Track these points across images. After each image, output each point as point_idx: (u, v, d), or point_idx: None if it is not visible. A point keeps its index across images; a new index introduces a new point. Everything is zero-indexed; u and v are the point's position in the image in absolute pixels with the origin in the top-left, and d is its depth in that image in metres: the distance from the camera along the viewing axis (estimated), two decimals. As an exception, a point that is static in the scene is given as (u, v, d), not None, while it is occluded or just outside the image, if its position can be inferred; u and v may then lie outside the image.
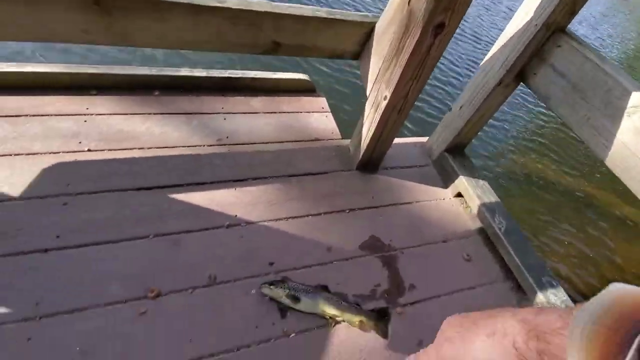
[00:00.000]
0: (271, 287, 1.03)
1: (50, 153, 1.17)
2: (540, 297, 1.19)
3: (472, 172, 1.51)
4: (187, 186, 1.22)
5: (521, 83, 1.31)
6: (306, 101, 1.66)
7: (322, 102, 1.69)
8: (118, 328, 0.91)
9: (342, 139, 1.58)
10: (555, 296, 1.20)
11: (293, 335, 1.01)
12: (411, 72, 1.10)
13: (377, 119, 1.24)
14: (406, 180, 1.51)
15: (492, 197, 1.45)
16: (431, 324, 1.18)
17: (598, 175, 3.53)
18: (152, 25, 0.98)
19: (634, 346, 0.20)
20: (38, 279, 0.93)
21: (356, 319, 1.06)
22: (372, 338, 1.05)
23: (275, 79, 1.60)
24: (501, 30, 1.39)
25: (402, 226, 1.35)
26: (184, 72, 1.46)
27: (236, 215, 1.20)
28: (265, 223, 1.21)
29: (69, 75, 1.31)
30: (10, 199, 1.05)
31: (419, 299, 1.18)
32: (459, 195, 1.52)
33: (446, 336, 0.40)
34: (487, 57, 1.34)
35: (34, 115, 1.24)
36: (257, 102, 1.57)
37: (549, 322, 0.28)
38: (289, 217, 1.25)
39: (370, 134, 1.30)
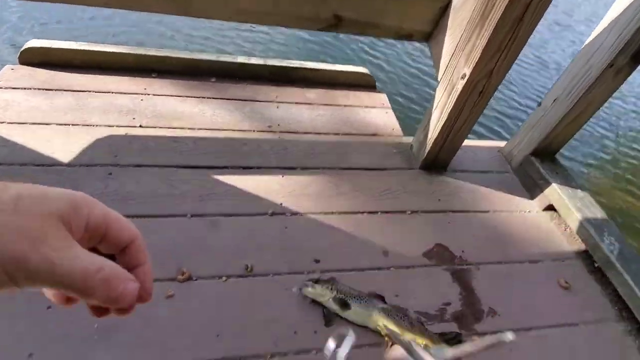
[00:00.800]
0: (315, 285, 0.86)
1: (105, 126, 1.15)
2: (682, 347, 0.86)
3: (568, 180, 1.23)
4: (232, 169, 1.12)
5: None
6: (365, 96, 1.53)
7: (382, 97, 1.54)
8: (141, 308, 0.78)
9: (403, 136, 1.41)
10: None
11: (338, 350, 0.80)
12: (499, 41, 0.92)
13: (452, 103, 1.06)
14: (480, 186, 1.27)
15: (597, 212, 1.15)
16: None
17: None
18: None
19: None
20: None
21: (420, 341, 0.83)
22: (440, 369, 0.81)
23: (333, 70, 1.50)
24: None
25: (477, 237, 1.11)
26: (241, 59, 1.42)
27: (281, 204, 1.06)
28: (313, 216, 1.05)
29: (134, 56, 1.33)
30: (60, 164, 1.02)
31: (502, 328, 0.91)
32: (550, 208, 1.23)
33: None
34: (589, 40, 1.10)
35: (96, 92, 1.25)
36: (313, 94, 1.47)
37: None
38: (340, 212, 1.08)
39: (442, 122, 1.11)
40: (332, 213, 1.07)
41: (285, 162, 1.18)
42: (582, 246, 1.13)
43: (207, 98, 1.33)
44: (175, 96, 1.31)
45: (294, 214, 1.04)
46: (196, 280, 0.86)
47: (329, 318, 0.85)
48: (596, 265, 1.09)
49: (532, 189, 1.28)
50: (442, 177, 1.27)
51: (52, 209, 0.21)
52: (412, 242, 1.05)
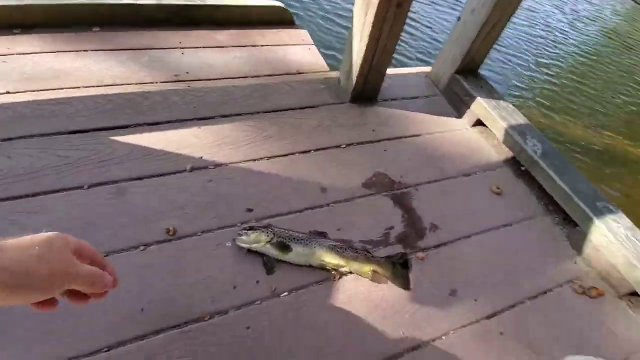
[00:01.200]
0: (249, 233, 0.77)
1: (-49, 97, 0.90)
2: (598, 225, 0.93)
3: (492, 93, 1.24)
4: (135, 127, 0.96)
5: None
6: (284, 34, 1.39)
7: (302, 34, 1.42)
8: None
9: (329, 71, 1.32)
10: (617, 223, 0.94)
11: (285, 294, 0.75)
12: (409, -62, 0.83)
13: (370, 21, 0.97)
14: (412, 112, 1.25)
15: (520, 119, 1.19)
16: (464, 268, 0.87)
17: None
18: None
19: None
20: None
21: (367, 268, 0.80)
22: (389, 290, 0.79)
23: (242, 6, 1.33)
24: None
25: (412, 161, 1.09)
26: (129, 0, 1.19)
27: (201, 157, 0.93)
28: (240, 165, 0.95)
29: (-22, 7, 1.04)
30: None
31: (444, 241, 0.92)
32: (478, 123, 1.25)
33: None
34: (499, -58, 1.07)
35: None
36: (224, 36, 1.30)
37: None
38: (270, 157, 0.98)
39: (364, 45, 1.03)
40: (261, 159, 0.97)
41: (200, 112, 1.04)
42: (510, 154, 1.18)
43: (91, 51, 1.10)
44: (49, 52, 1.07)
45: (218, 165, 0.93)
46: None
47: (270, 265, 0.78)
48: (523, 168, 1.14)
49: (459, 107, 1.29)
50: (373, 108, 1.22)
51: (70, 246, 0.40)
52: (349, 174, 1.00)
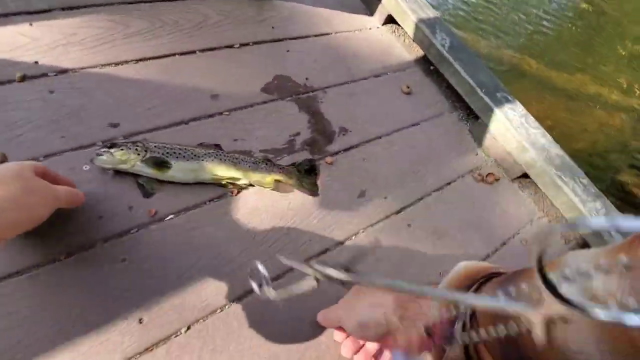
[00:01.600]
0: (112, 150, 0.61)
1: None
2: (497, 114, 0.95)
3: (401, -16, 1.13)
4: None
5: None
6: None
7: None
8: None
9: (215, -45, 1.06)
10: (514, 111, 0.97)
11: (171, 217, 0.63)
12: None
13: None
14: (318, 8, 1.09)
15: (430, 12, 1.11)
16: (374, 169, 0.78)
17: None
18: None
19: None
20: None
21: (269, 178, 0.71)
22: (296, 199, 0.72)
23: None
24: None
25: (319, 62, 0.97)
26: None
27: (37, 63, 0.69)
28: (95, 70, 0.73)
29: None
30: None
31: (353, 143, 0.86)
32: (389, 20, 1.15)
33: (345, 299, 0.53)
34: None
35: None
36: None
37: (408, 297, 0.44)
38: (139, 60, 0.78)
39: None
40: (127, 62, 0.76)
41: (32, 5, 0.76)
42: (420, 52, 1.12)
43: None
44: None
45: (62, 72, 0.70)
46: None
47: (148, 187, 0.64)
48: (432, 67, 1.10)
49: (370, 3, 1.16)
50: (272, 2, 1.03)
51: (33, 171, 0.45)
52: (246, 79, 0.85)
